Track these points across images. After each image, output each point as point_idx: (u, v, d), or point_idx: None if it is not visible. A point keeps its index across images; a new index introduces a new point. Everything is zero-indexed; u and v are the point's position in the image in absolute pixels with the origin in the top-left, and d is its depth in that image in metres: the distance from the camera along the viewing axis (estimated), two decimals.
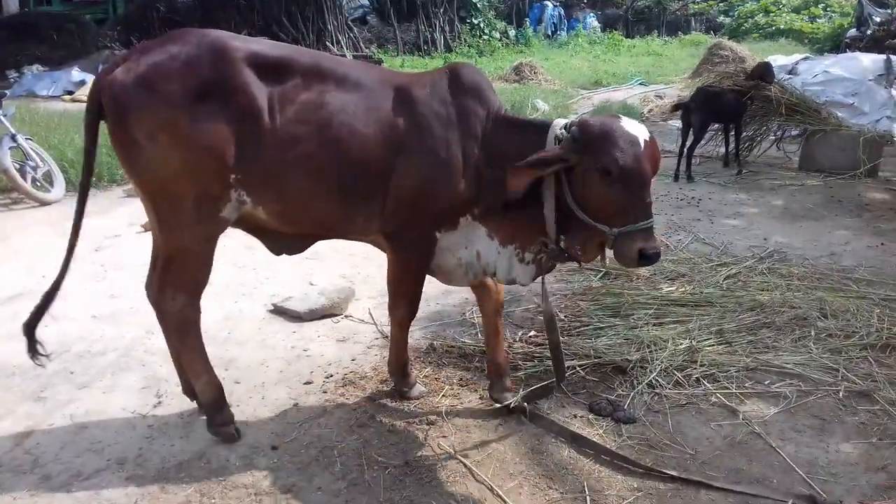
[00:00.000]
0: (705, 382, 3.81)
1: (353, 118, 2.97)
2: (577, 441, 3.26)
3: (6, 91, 10.24)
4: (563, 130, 2.92)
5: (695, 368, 3.90)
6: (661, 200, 8.08)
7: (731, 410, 3.57)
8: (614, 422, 3.46)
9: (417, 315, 3.48)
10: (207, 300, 4.81)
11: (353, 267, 5.61)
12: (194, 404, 3.50)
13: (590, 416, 3.51)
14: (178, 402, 3.57)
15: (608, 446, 3.23)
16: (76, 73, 16.01)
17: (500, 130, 3.13)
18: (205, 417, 3.35)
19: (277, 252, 3.36)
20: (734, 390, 3.73)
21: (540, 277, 3.26)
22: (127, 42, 18.05)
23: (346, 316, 4.68)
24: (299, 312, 4.60)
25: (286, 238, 3.29)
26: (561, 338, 4.20)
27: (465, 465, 3.08)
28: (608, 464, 3.14)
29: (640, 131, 2.79)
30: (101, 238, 6.32)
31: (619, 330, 4.36)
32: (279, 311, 4.71)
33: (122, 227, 6.69)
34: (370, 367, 3.94)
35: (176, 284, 3.10)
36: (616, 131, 2.76)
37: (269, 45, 3.07)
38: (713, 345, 4.17)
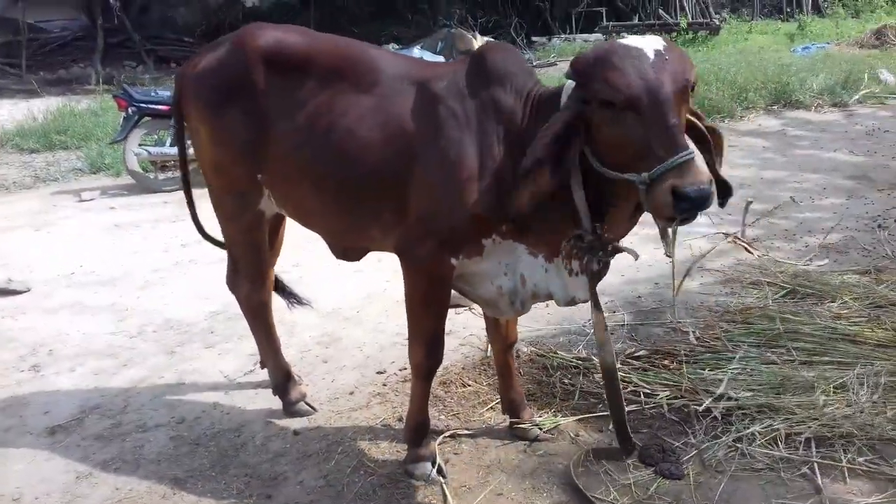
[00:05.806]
0: (814, 446, 3.04)
1: (355, 122, 2.71)
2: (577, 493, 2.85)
3: None
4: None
5: (812, 427, 3.12)
6: None
7: (815, 488, 2.82)
8: (655, 474, 2.95)
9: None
10: (362, 276, 5.03)
11: None
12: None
13: (633, 462, 3.03)
14: (265, 374, 3.85)
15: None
16: (416, 52, 17.09)
17: (539, 116, 2.53)
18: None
19: (337, 255, 3.20)
20: (842, 463, 2.92)
21: (592, 305, 2.73)
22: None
23: (471, 309, 4.56)
24: None
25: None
26: (679, 364, 3.69)
27: (443, 491, 2.88)
28: None
29: (646, 43, 2.22)
30: None
31: (750, 363, 3.64)
32: None
33: None
34: (442, 367, 3.80)
35: (240, 272, 3.37)
36: (611, 52, 2.22)
37: (302, 39, 2.91)
38: (862, 401, 3.27)
